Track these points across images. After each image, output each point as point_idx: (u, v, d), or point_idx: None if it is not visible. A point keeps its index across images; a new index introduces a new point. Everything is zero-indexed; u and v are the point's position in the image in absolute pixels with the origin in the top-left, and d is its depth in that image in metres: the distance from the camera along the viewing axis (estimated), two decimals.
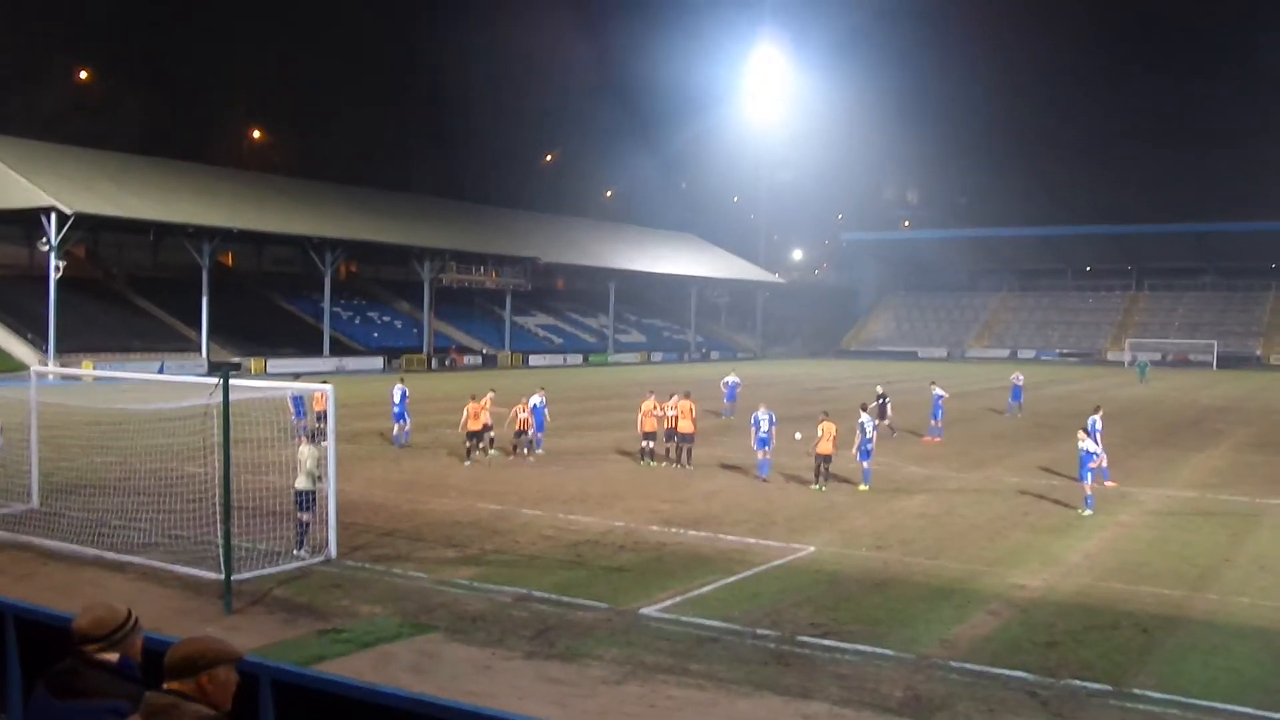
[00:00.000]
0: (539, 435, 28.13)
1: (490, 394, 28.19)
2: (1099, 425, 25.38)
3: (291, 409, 27.55)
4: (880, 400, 33.65)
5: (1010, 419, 40.33)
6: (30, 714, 4.57)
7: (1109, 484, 23.73)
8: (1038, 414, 41.53)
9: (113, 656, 4.45)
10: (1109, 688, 11.00)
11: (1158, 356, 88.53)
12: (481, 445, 26.94)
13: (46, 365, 47.59)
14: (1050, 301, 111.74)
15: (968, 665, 11.64)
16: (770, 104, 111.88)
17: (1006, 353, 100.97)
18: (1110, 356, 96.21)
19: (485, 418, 27.33)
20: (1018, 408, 41.72)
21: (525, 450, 27.30)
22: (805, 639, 12.51)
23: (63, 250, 54.99)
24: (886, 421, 32.40)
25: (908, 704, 10.51)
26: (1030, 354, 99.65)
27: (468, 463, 26.31)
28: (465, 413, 26.76)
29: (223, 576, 13.53)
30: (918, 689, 10.90)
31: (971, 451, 30.46)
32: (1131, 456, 28.71)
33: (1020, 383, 42.63)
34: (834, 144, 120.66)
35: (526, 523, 19.27)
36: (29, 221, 58.27)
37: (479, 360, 77.87)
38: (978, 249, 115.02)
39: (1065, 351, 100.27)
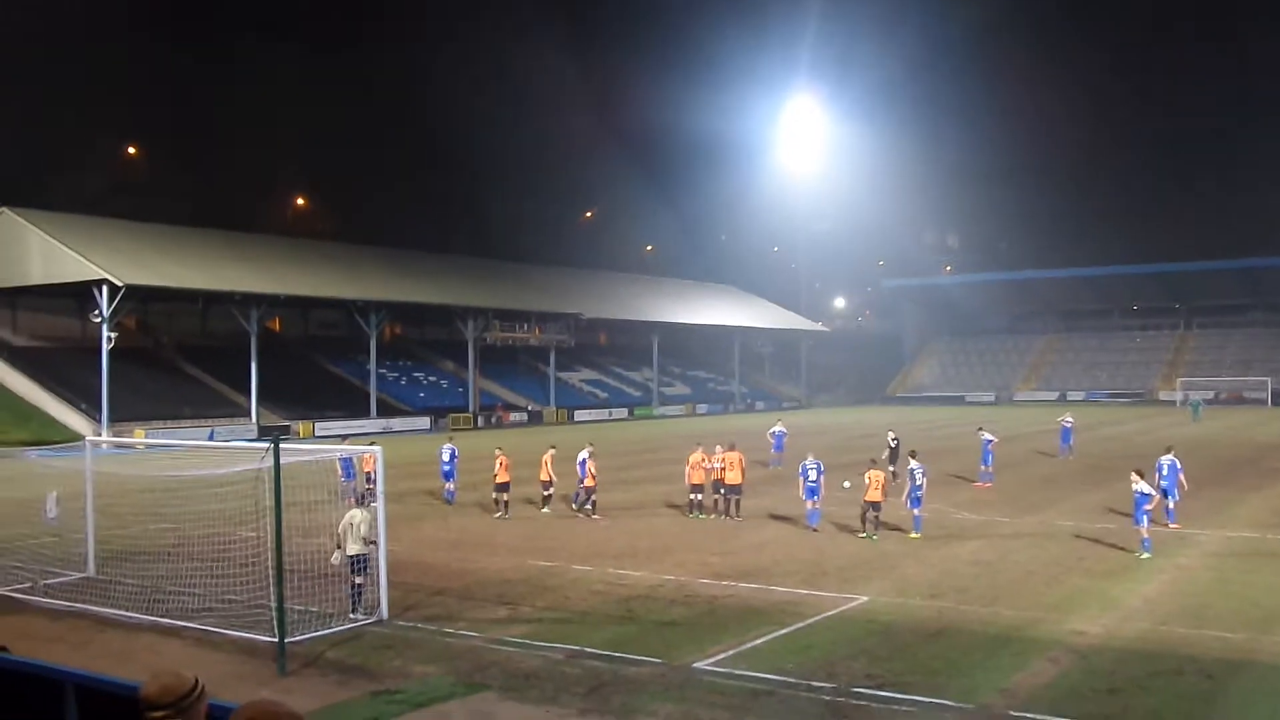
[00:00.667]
0: (582, 489, 28.27)
1: (551, 450, 28.44)
2: (1179, 465, 24.80)
3: (340, 471, 27.78)
4: (892, 447, 33.21)
5: (1062, 462, 39.83)
6: None
7: (1173, 526, 23.36)
8: (1089, 456, 41.00)
9: None
10: None
11: (1210, 395, 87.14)
12: (527, 499, 27.26)
13: (100, 435, 48.29)
14: (1098, 342, 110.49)
15: (1028, 714, 11.44)
16: (807, 153, 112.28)
17: (1055, 395, 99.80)
18: (1162, 396, 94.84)
19: (546, 473, 27.94)
20: (1069, 450, 41.22)
21: (589, 507, 27.23)
22: (861, 690, 12.36)
23: (114, 321, 55.98)
24: (893, 469, 31.11)
25: None
26: (1079, 395, 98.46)
27: (499, 515, 26.89)
28: (498, 465, 27.39)
29: (277, 640, 13.61)
30: None
31: (1024, 496, 30.08)
32: (1188, 497, 28.15)
33: (1070, 425, 42.11)
34: (872, 191, 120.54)
35: (576, 579, 19.23)
36: (81, 294, 59.50)
37: (525, 417, 78.13)
38: (1021, 292, 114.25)
39: (1115, 392, 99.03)
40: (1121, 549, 21.19)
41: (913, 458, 24.34)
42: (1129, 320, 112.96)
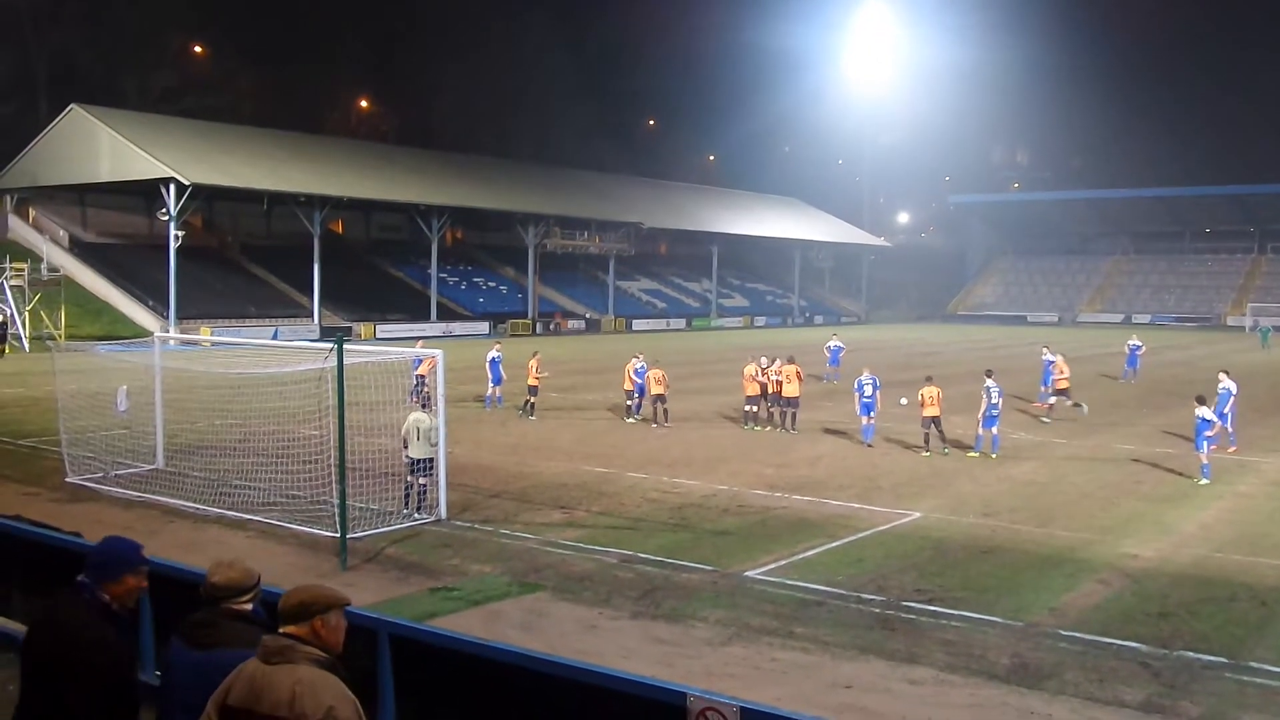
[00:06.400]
0: (639, 400, 28.46)
1: (635, 359, 29.28)
2: (1233, 390, 24.41)
3: (413, 370, 28.21)
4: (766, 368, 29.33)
5: (1124, 385, 39.30)
6: (170, 665, 4.85)
7: (1232, 450, 23.12)
8: (1153, 380, 40.41)
9: (247, 606, 4.78)
10: (1224, 660, 10.77)
11: None
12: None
13: (168, 331, 49.25)
14: (1167, 265, 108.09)
15: (1077, 634, 11.49)
16: (876, 64, 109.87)
17: (1120, 317, 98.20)
18: (1230, 321, 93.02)
19: (629, 382, 28.70)
20: (1132, 373, 40.59)
21: (662, 418, 27.30)
22: (910, 604, 12.47)
23: (181, 220, 56.70)
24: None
25: (1015, 671, 10.42)
26: (1145, 318, 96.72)
27: (521, 413, 28.32)
28: (529, 368, 28.89)
29: (338, 535, 13.97)
30: (1025, 657, 10.80)
31: (1083, 418, 29.78)
32: (1251, 424, 27.75)
33: (1139, 349, 41.07)
34: (942, 104, 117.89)
35: (632, 485, 19.46)
36: (149, 192, 60.33)
37: (583, 325, 78.46)
38: (1091, 211, 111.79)
39: (1182, 316, 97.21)
40: (1180, 474, 20.99)
41: (988, 377, 23.83)
42: (1200, 243, 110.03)
